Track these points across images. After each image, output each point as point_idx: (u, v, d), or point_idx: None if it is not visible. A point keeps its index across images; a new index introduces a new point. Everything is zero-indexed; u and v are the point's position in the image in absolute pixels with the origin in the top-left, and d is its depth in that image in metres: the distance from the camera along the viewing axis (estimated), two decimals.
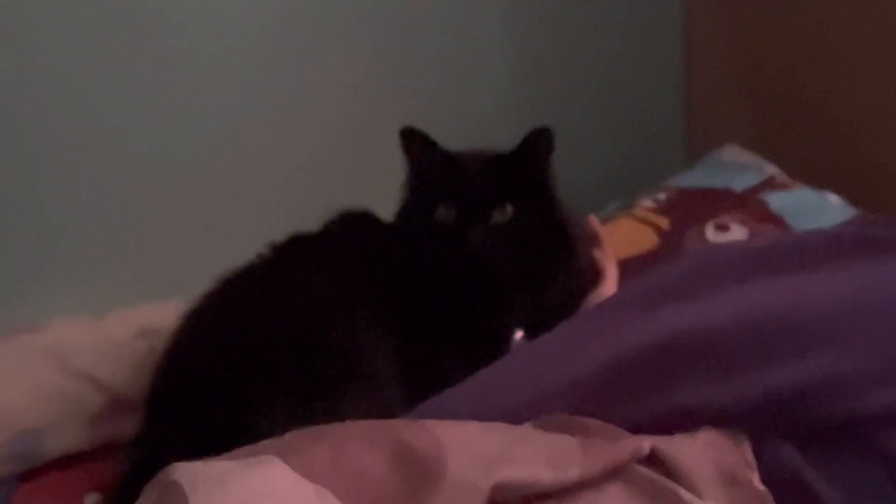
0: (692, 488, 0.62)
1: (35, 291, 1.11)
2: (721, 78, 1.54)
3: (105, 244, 1.16)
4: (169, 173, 1.20)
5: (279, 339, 0.83)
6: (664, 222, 1.24)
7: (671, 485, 0.62)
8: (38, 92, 1.10)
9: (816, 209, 1.22)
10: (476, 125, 1.23)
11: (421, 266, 0.91)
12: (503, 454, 0.61)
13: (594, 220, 1.09)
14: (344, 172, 1.29)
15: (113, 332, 1.02)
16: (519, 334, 0.91)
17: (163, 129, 1.19)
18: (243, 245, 0.94)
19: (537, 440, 0.65)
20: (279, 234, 0.97)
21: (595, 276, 0.99)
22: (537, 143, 0.92)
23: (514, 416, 0.70)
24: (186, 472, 0.55)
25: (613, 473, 0.63)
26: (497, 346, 0.89)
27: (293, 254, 0.95)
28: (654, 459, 0.64)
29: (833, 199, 1.26)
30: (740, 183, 1.30)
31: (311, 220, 0.98)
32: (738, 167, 1.35)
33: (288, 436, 0.61)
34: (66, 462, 0.96)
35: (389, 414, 0.77)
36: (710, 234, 1.20)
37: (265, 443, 0.60)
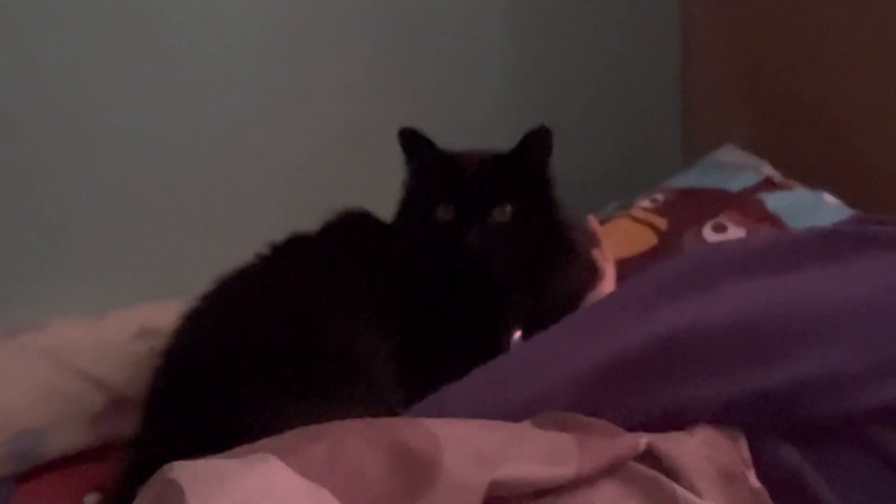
0: (689, 486, 0.62)
1: (35, 291, 1.11)
2: (719, 79, 1.54)
3: (105, 244, 1.17)
4: (169, 173, 1.20)
5: (278, 340, 0.83)
6: (662, 223, 1.24)
7: (667, 482, 0.62)
8: (38, 92, 1.10)
9: (813, 209, 1.22)
10: (475, 125, 1.23)
11: (420, 266, 0.91)
12: (500, 452, 0.61)
13: (592, 221, 1.09)
14: (343, 172, 1.29)
15: (113, 332, 1.02)
16: (517, 334, 0.91)
17: (163, 129, 1.19)
18: (243, 245, 0.94)
19: (534, 438, 0.65)
20: (279, 234, 0.96)
21: (593, 276, 0.99)
22: (536, 143, 0.91)
23: (511, 414, 0.70)
24: (184, 471, 0.55)
25: (610, 471, 0.63)
26: (495, 345, 0.89)
27: (292, 254, 0.95)
28: (650, 457, 0.65)
29: (829, 199, 1.26)
30: (737, 183, 1.30)
31: (310, 220, 0.98)
32: (735, 167, 1.35)
33: (285, 435, 0.61)
34: (66, 462, 0.96)
35: (388, 414, 0.77)
36: (708, 234, 1.20)
37: (263, 442, 0.60)
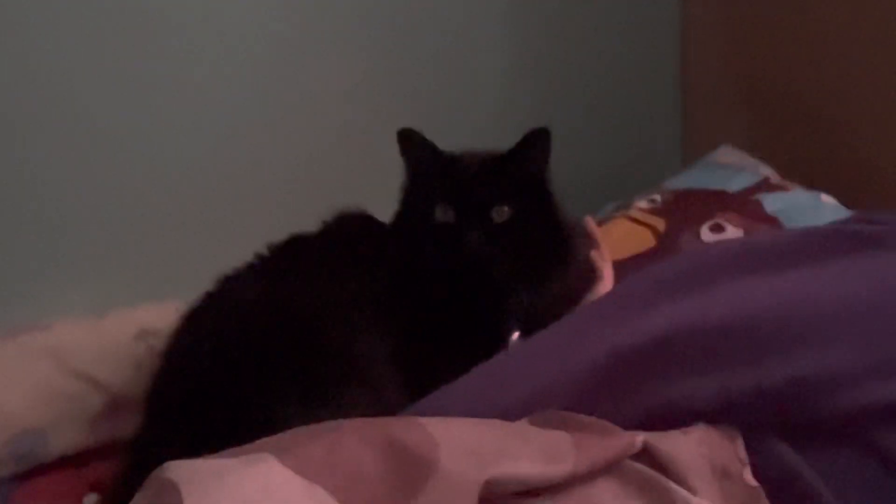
0: (685, 484, 0.62)
1: (35, 291, 1.11)
2: (718, 80, 1.54)
3: (105, 244, 1.17)
4: (169, 174, 1.20)
5: (278, 340, 0.83)
6: (660, 223, 1.24)
7: (663, 480, 0.62)
8: (38, 92, 1.10)
9: (811, 210, 1.22)
10: (474, 126, 1.22)
11: (419, 266, 0.91)
12: (497, 450, 0.61)
13: (591, 222, 1.08)
14: (343, 173, 1.29)
15: (113, 332, 1.02)
16: (516, 335, 0.91)
17: (163, 130, 1.19)
18: (242, 245, 0.94)
19: (531, 436, 0.65)
20: (279, 235, 0.96)
21: (591, 277, 0.99)
22: (535, 144, 0.91)
23: (509, 413, 0.70)
24: (181, 471, 0.55)
25: (606, 468, 0.63)
26: (495, 346, 0.88)
27: (291, 254, 0.95)
28: (647, 455, 0.65)
29: (828, 199, 1.25)
30: (736, 184, 1.30)
31: (310, 221, 0.98)
32: (733, 168, 1.35)
33: (282, 434, 0.61)
34: (66, 462, 0.96)
35: (388, 414, 0.76)
36: (706, 235, 1.20)
37: (259, 441, 0.60)
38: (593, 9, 1.47)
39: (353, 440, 0.59)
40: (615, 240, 1.17)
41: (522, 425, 0.69)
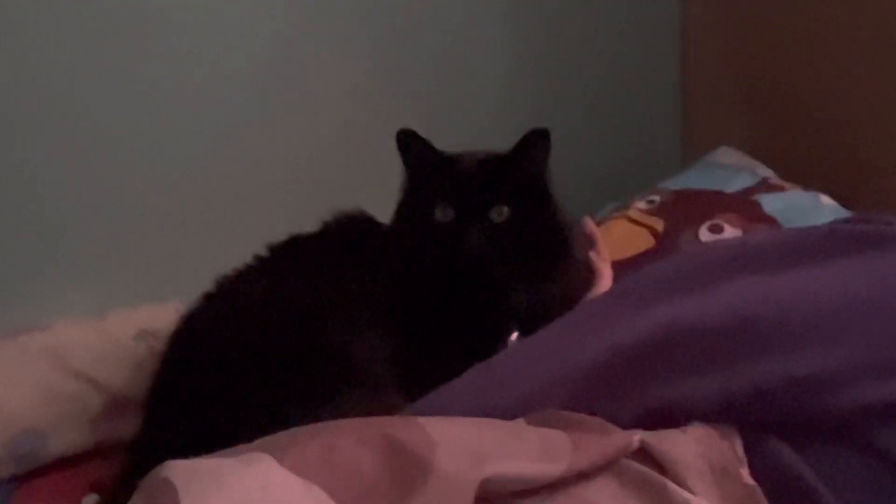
0: (682, 483, 0.62)
1: (35, 292, 1.11)
2: (717, 81, 1.54)
3: (105, 245, 1.17)
4: (169, 174, 1.20)
5: (277, 341, 0.83)
6: (659, 224, 1.24)
7: (660, 479, 0.62)
8: (38, 92, 1.10)
9: (810, 210, 1.22)
10: (474, 127, 1.23)
11: (418, 266, 0.91)
12: (494, 449, 0.61)
13: (590, 222, 1.08)
14: (343, 174, 1.29)
15: (113, 332, 1.02)
16: (514, 335, 0.91)
17: (163, 130, 1.19)
18: (243, 246, 0.94)
19: (529, 435, 0.65)
20: (278, 235, 0.96)
21: (591, 277, 0.99)
22: (535, 145, 0.91)
23: (507, 412, 0.70)
24: (178, 470, 0.55)
25: (604, 468, 0.63)
26: (494, 345, 0.88)
27: (291, 255, 0.95)
28: (644, 454, 0.65)
29: (826, 200, 1.25)
30: (734, 184, 1.30)
31: (310, 221, 0.97)
32: (732, 169, 1.35)
33: (279, 434, 0.61)
34: (66, 463, 0.96)
35: (387, 414, 0.76)
36: (705, 235, 1.20)
37: (257, 441, 0.60)
38: (593, 9, 1.47)
39: (351, 440, 0.59)
40: (614, 240, 1.16)
41: (520, 424, 0.68)
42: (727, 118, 1.53)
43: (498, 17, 1.41)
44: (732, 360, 0.68)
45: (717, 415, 0.67)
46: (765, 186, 1.29)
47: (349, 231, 0.97)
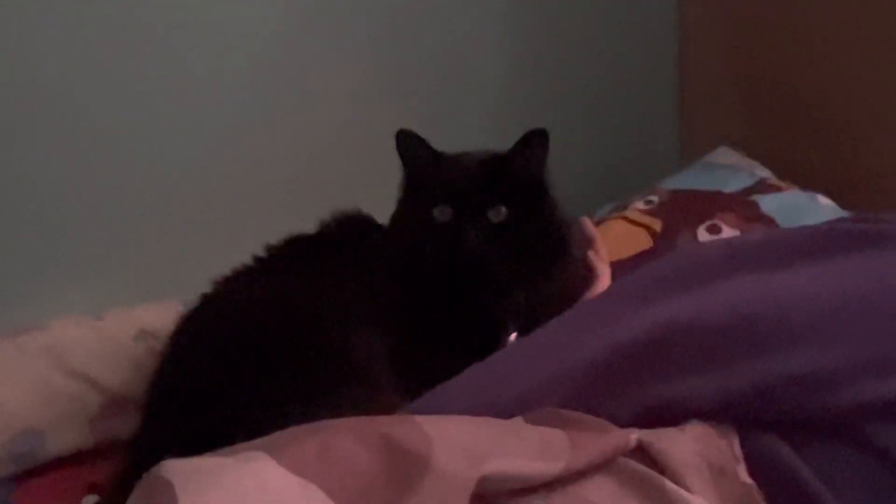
0: (679, 481, 0.62)
1: (35, 292, 1.11)
2: (715, 82, 1.55)
3: (105, 245, 1.17)
4: (168, 175, 1.20)
5: (276, 340, 0.83)
6: (657, 224, 1.24)
7: (658, 477, 0.62)
8: (38, 92, 1.10)
9: (807, 210, 1.22)
10: (473, 127, 1.23)
11: (417, 266, 0.91)
12: (491, 447, 0.61)
13: (588, 222, 1.08)
14: (342, 174, 1.29)
15: (112, 332, 1.02)
16: (513, 335, 0.90)
17: (163, 130, 1.19)
18: (241, 247, 0.94)
19: (526, 434, 0.65)
20: (277, 235, 0.96)
21: (589, 276, 0.99)
22: (533, 145, 0.91)
23: (505, 411, 0.70)
24: (176, 469, 0.55)
25: (601, 466, 0.63)
26: (492, 344, 0.88)
27: (289, 255, 0.95)
28: (642, 452, 0.65)
29: (824, 200, 1.25)
30: (732, 185, 1.30)
31: (309, 222, 0.98)
32: (730, 169, 1.35)
33: (277, 433, 0.61)
34: (65, 462, 0.96)
35: (387, 412, 0.76)
36: (703, 235, 1.20)
37: (255, 441, 0.60)
38: (592, 10, 1.47)
39: (348, 439, 0.59)
40: (612, 240, 1.16)
41: (518, 423, 0.69)
42: (725, 119, 1.53)
43: (497, 18, 1.41)
44: (731, 359, 0.68)
45: (716, 413, 0.67)
46: (763, 187, 1.29)
47: (347, 231, 0.97)
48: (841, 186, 1.28)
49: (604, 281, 0.99)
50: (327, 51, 1.28)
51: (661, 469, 0.63)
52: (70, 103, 1.11)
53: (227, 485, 0.54)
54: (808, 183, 1.29)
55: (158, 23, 1.15)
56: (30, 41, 1.07)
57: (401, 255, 0.92)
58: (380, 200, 0.95)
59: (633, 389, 0.70)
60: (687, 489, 0.61)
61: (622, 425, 0.67)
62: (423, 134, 0.92)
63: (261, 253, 0.95)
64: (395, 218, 0.95)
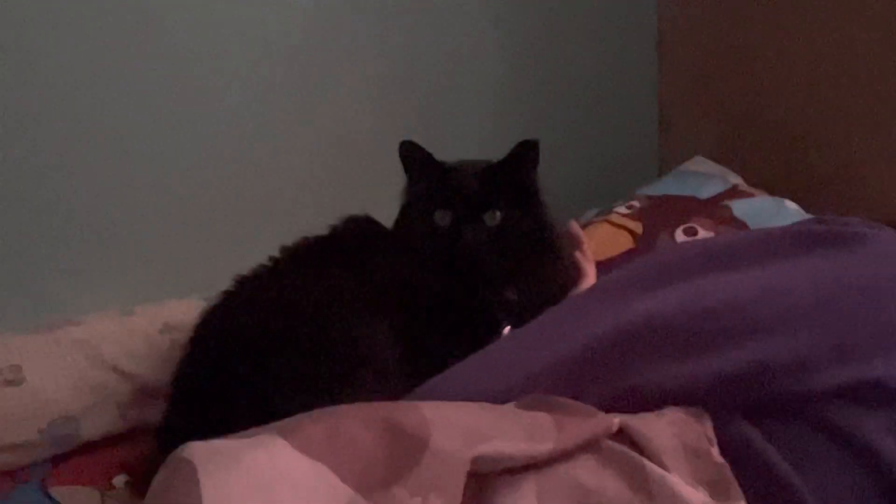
0: (658, 461, 0.63)
1: (70, 289, 1.10)
2: (691, 98, 1.54)
3: (134, 246, 1.15)
4: (192, 185, 1.18)
5: (291, 332, 0.83)
6: (638, 227, 1.24)
7: (638, 458, 0.63)
8: (74, 94, 1.07)
9: (775, 214, 1.22)
10: (468, 137, 1.23)
11: (420, 266, 0.91)
12: (485, 430, 0.61)
13: (575, 225, 1.09)
14: (350, 181, 1.28)
15: (140, 326, 1.02)
16: (506, 329, 0.91)
17: (192, 140, 1.16)
18: (259, 248, 0.94)
19: (517, 418, 0.65)
20: (291, 238, 0.96)
21: (576, 274, 0.99)
22: (525, 154, 0.92)
23: (499, 397, 0.70)
24: (197, 450, 0.56)
25: (586, 447, 0.64)
26: (488, 337, 0.88)
27: (303, 255, 0.95)
28: (623, 435, 0.65)
29: (790, 205, 1.26)
30: (707, 191, 1.30)
31: (319, 225, 0.97)
32: (704, 176, 1.35)
33: (290, 418, 0.61)
34: (97, 445, 0.96)
35: (392, 398, 0.77)
36: (680, 237, 1.20)
37: (269, 425, 0.60)
38: (578, 34, 1.47)
39: (355, 423, 0.59)
40: (597, 242, 1.17)
41: (509, 408, 0.69)
42: (701, 130, 1.53)
43: (490, 40, 1.39)
44: (703, 347, 0.69)
45: (689, 398, 0.68)
46: (735, 192, 1.30)
47: (356, 233, 0.97)
48: (805, 192, 1.29)
49: (590, 279, 0.99)
50: (338, 62, 1.25)
51: (641, 450, 0.63)
52: (110, 106, 1.09)
53: (245, 465, 0.54)
54: (776, 189, 1.30)
55: (172, 27, 1.11)
56: (37, 43, 1.02)
57: (405, 255, 0.92)
58: (380, 200, 0.95)
59: (614, 377, 0.70)
60: (665, 468, 0.62)
61: (606, 410, 0.67)
62: (422, 138, 0.93)
63: (276, 253, 0.95)
64: (400, 222, 0.96)
